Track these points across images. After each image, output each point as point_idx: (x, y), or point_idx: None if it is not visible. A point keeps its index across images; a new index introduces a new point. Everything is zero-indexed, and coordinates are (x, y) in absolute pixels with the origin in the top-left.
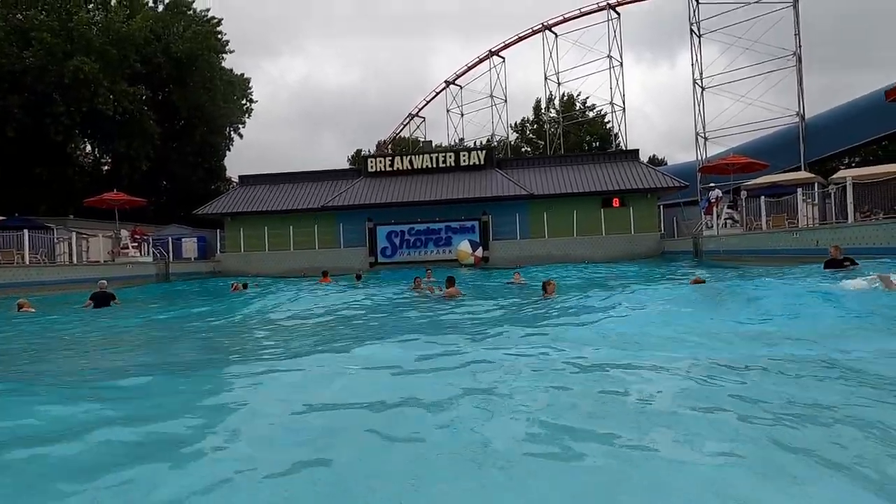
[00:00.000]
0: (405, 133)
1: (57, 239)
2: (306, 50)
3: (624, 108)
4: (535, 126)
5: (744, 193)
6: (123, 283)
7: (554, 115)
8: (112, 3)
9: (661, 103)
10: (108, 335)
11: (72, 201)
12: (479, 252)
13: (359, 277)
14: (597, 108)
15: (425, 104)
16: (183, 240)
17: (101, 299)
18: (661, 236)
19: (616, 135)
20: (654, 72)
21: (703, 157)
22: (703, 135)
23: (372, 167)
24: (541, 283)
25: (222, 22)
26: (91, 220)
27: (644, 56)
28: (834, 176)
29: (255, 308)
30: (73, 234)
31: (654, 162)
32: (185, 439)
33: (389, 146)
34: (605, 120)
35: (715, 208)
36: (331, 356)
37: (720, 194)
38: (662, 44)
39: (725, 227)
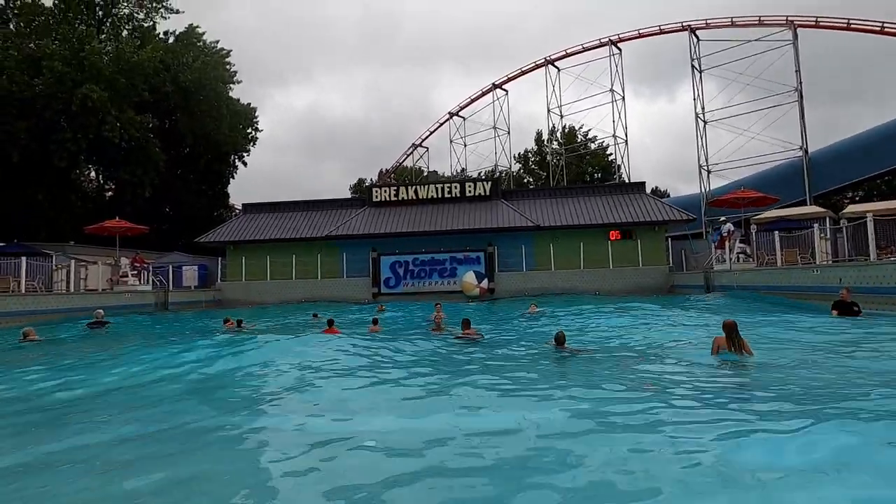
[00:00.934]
0: (408, 162)
1: (55, 266)
2: (313, 79)
3: (626, 141)
4: (537, 157)
5: (753, 227)
6: (122, 312)
7: (556, 146)
8: (123, 34)
9: (662, 136)
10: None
11: (73, 227)
12: (485, 283)
13: (381, 310)
14: (598, 140)
15: (429, 134)
16: (183, 268)
17: (97, 325)
18: (670, 269)
19: (618, 166)
20: (655, 105)
21: (707, 189)
22: (706, 167)
23: (376, 196)
24: (554, 335)
25: (231, 53)
26: (92, 247)
27: (645, 90)
28: (844, 211)
29: (250, 362)
30: (72, 261)
31: (657, 194)
32: None
33: (392, 175)
34: (608, 152)
35: (727, 242)
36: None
37: (732, 228)
38: (663, 78)
39: (738, 261)
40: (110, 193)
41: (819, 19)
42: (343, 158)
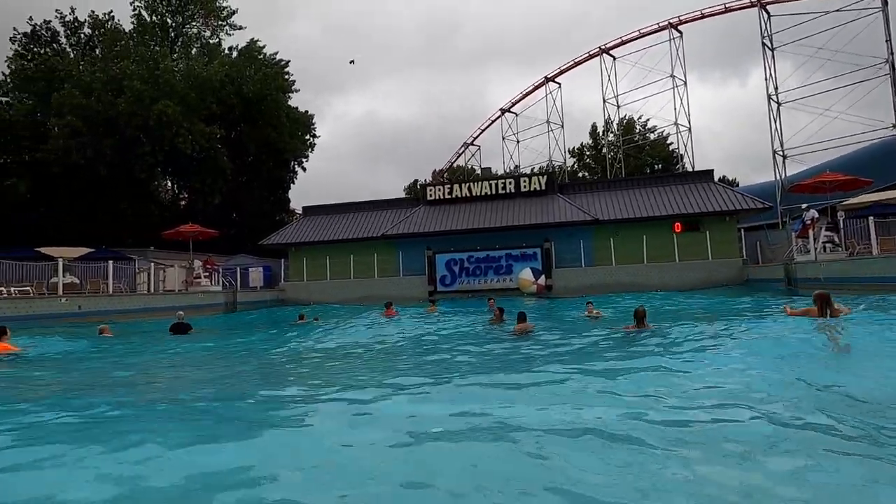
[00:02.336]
0: (460, 162)
1: (138, 269)
2: (368, 85)
3: (690, 129)
4: (592, 151)
5: (841, 214)
6: (195, 311)
7: (612, 138)
8: (193, 52)
9: (729, 122)
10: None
11: (152, 233)
12: (542, 280)
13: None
14: (658, 130)
15: (480, 132)
16: (249, 269)
17: (179, 329)
18: (744, 262)
19: (681, 156)
20: (720, 89)
21: (783, 176)
22: (781, 153)
23: (431, 195)
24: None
25: (289, 63)
26: (169, 251)
27: (709, 74)
28: None
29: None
30: (152, 264)
31: (725, 183)
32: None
33: (445, 175)
34: (668, 142)
35: (811, 231)
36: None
37: (816, 215)
38: (729, 60)
39: (825, 251)
40: (184, 202)
41: None
42: (397, 162)
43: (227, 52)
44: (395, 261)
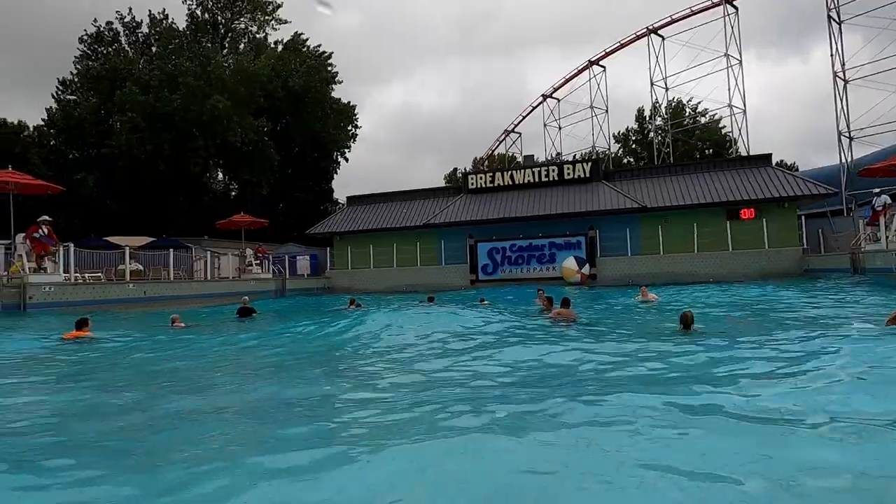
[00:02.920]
0: (501, 149)
1: (195, 257)
2: (409, 76)
3: (745, 111)
4: (639, 136)
5: None
6: (249, 297)
7: (660, 122)
8: (241, 47)
9: (789, 103)
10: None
11: (206, 223)
12: (586, 269)
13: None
14: (710, 113)
15: (521, 119)
16: (297, 257)
17: (244, 313)
18: (804, 251)
19: (734, 140)
20: (779, 68)
21: (849, 158)
22: (847, 134)
23: (472, 184)
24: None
25: (332, 55)
26: (222, 240)
27: (766, 52)
28: None
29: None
30: (208, 252)
31: (784, 167)
32: None
33: (486, 163)
34: (721, 125)
35: (883, 217)
36: None
37: (889, 200)
38: (790, 36)
39: None
40: (234, 193)
41: None
42: (438, 150)
43: (272, 46)
44: (437, 249)
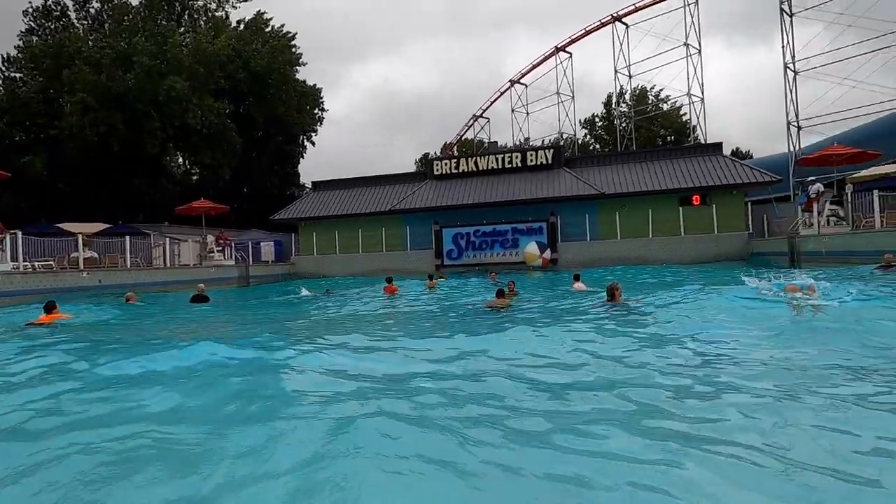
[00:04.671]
0: (469, 135)
1: (154, 244)
2: (388, 52)
3: (703, 99)
4: (605, 122)
5: (849, 187)
6: (210, 285)
7: (625, 109)
8: (200, 26)
9: (746, 92)
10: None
11: (166, 209)
12: (548, 254)
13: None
14: (672, 100)
15: (489, 105)
16: (261, 244)
17: (199, 300)
18: (750, 236)
19: (694, 128)
20: (737, 58)
21: (797, 147)
22: (795, 124)
23: (438, 170)
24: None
25: (296, 36)
26: (182, 227)
27: (727, 41)
28: None
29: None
30: (167, 239)
31: (738, 155)
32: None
33: (455, 148)
34: (682, 112)
35: (816, 204)
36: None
37: (822, 188)
38: (747, 27)
39: (828, 224)
40: (196, 177)
41: None
42: (414, 132)
43: (233, 25)
44: (403, 235)
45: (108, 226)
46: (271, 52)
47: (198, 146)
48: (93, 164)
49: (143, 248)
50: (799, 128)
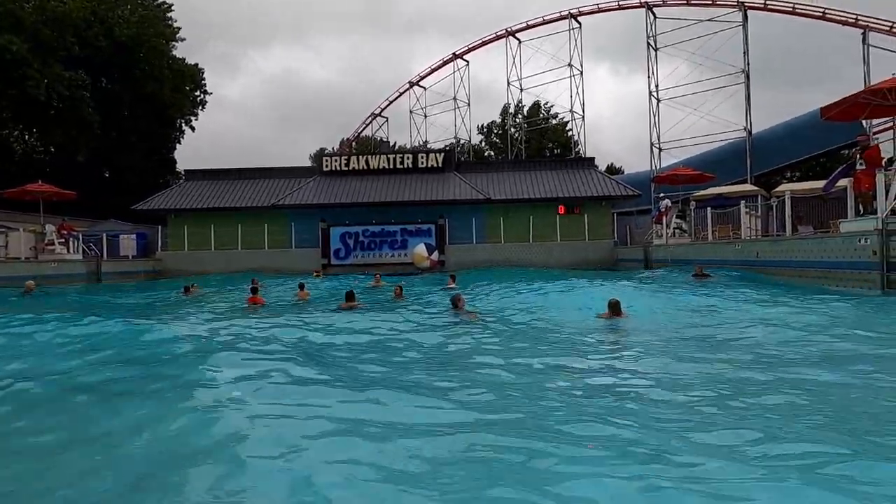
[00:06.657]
0: (367, 132)
1: None
2: (296, 39)
3: (583, 117)
4: (500, 130)
5: (692, 204)
6: (49, 282)
7: (519, 120)
8: None
9: (621, 112)
10: None
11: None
12: (435, 256)
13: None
14: (559, 116)
15: (388, 104)
16: (120, 236)
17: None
18: (615, 244)
19: (577, 143)
20: (614, 82)
21: (657, 166)
22: (657, 145)
23: (327, 166)
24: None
25: (172, 7)
26: (14, 213)
27: (606, 66)
28: (776, 189)
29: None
30: None
31: (612, 171)
32: None
33: (353, 145)
34: (567, 128)
35: (664, 217)
36: None
37: (669, 204)
38: (622, 54)
39: (674, 236)
40: (42, 157)
41: (767, 2)
42: (311, 128)
43: None
44: (287, 232)
45: None
46: (141, 21)
47: (46, 122)
48: None
49: None
50: (660, 149)
